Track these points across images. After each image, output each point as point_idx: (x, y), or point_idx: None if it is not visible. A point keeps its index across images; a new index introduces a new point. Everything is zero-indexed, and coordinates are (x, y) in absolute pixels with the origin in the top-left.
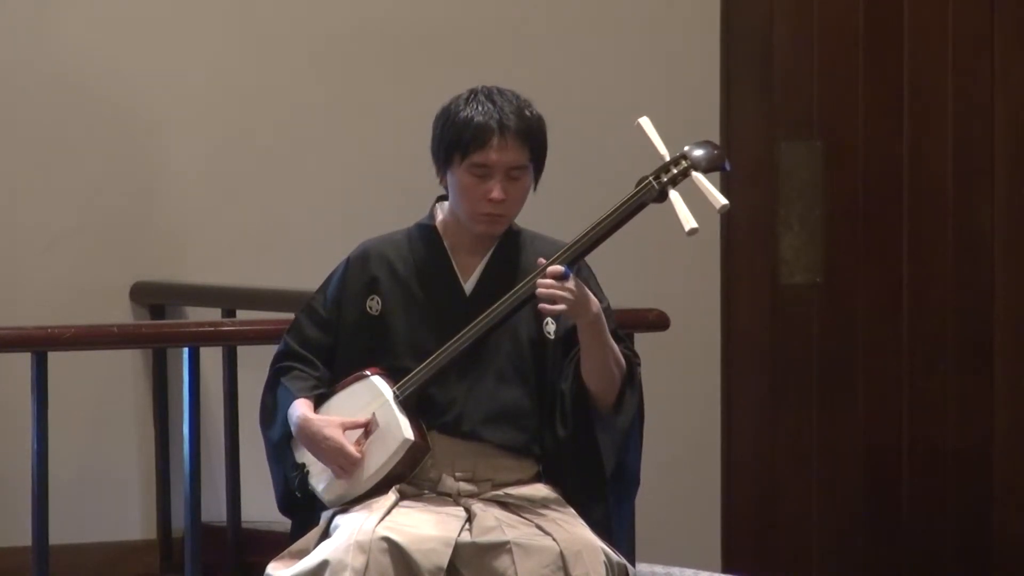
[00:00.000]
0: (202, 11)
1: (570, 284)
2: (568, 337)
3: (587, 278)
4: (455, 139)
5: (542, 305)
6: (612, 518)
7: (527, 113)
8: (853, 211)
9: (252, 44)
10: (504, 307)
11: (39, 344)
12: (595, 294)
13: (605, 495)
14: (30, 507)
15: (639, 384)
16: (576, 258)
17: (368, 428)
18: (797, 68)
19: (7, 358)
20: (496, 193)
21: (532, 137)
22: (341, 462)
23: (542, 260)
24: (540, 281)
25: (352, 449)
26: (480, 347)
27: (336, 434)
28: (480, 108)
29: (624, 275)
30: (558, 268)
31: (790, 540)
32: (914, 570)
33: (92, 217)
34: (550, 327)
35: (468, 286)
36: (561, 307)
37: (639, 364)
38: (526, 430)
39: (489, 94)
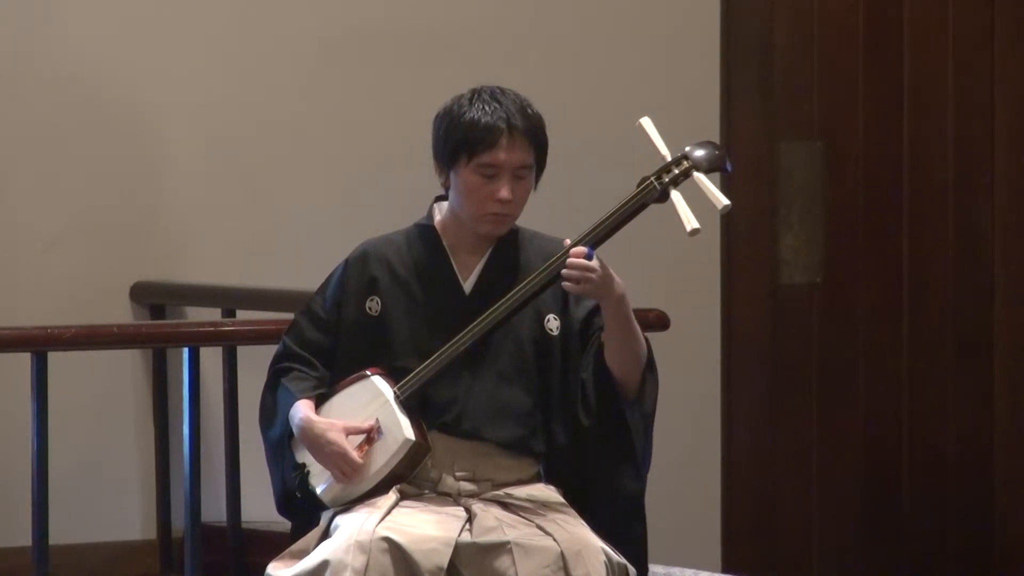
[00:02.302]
0: (203, 11)
1: (595, 264)
2: (583, 330)
3: None
4: (462, 139)
5: (565, 284)
6: (643, 492)
7: (529, 112)
8: (853, 211)
9: (253, 45)
10: (507, 305)
11: (39, 344)
12: None
13: (638, 474)
14: (30, 507)
15: (656, 368)
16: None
17: (371, 435)
18: (797, 68)
19: (7, 358)
20: (505, 193)
21: (537, 137)
22: (343, 467)
23: (568, 241)
24: (568, 261)
25: (355, 455)
26: (481, 346)
27: (339, 438)
28: (487, 108)
29: (624, 275)
30: (582, 249)
31: (790, 540)
32: (914, 570)
33: (92, 217)
34: (552, 324)
35: (467, 285)
36: (583, 287)
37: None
38: (526, 430)
39: (493, 94)
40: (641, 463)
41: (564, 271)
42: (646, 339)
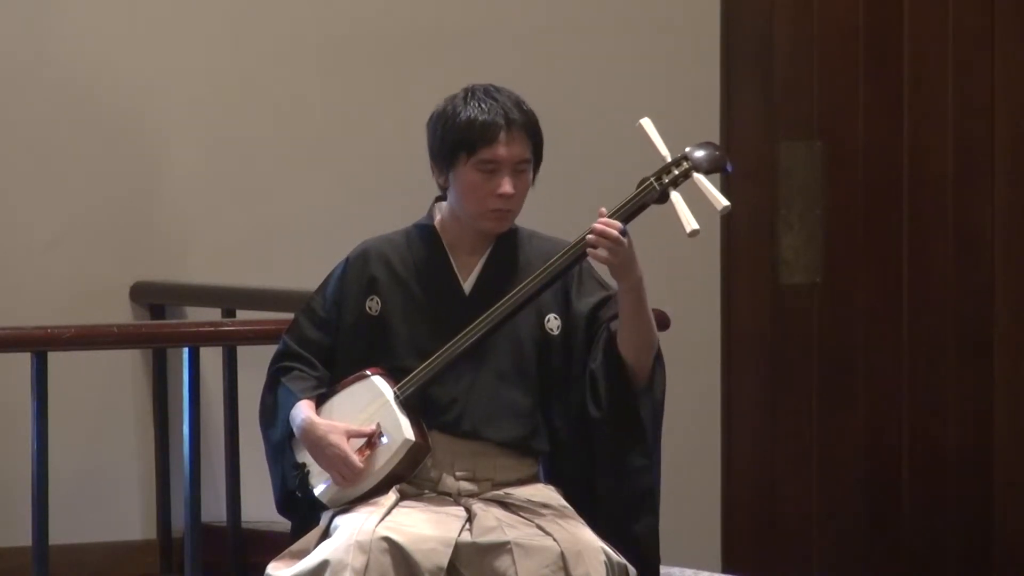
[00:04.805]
0: (202, 11)
1: (624, 241)
2: (589, 323)
3: (587, 271)
4: (460, 138)
5: (589, 249)
6: (656, 483)
7: (524, 107)
8: (853, 211)
9: (252, 45)
10: (508, 305)
11: (39, 344)
12: (598, 285)
13: (650, 464)
14: (30, 507)
15: (663, 359)
16: (578, 259)
17: (372, 439)
18: (797, 68)
19: (7, 358)
20: (507, 187)
21: (534, 131)
22: (343, 471)
23: (603, 209)
24: (594, 227)
25: (355, 459)
26: (481, 346)
27: (340, 441)
28: (483, 106)
29: None
30: (617, 223)
31: (790, 540)
32: (914, 570)
33: (92, 217)
34: (552, 324)
35: (467, 285)
36: (604, 255)
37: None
38: (526, 429)
39: (487, 91)
40: (652, 452)
41: (592, 238)
42: None
